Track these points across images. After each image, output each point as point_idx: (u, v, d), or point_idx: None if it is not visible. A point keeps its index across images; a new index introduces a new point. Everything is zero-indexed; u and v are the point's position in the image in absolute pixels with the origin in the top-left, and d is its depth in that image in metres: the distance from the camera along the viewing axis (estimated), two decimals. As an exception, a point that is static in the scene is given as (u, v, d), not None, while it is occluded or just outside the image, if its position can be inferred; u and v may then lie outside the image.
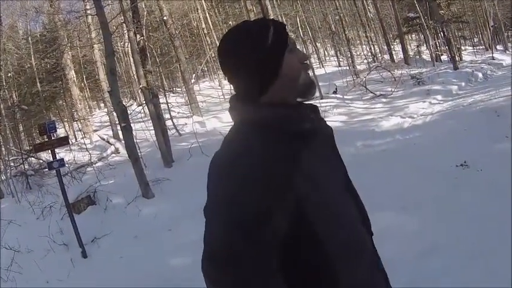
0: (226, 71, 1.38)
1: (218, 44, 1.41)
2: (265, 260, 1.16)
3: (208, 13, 25.30)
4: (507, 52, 31.45)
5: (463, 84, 16.57)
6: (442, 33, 23.29)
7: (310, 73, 1.40)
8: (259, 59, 1.31)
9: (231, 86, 1.41)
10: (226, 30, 1.45)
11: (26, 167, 11.05)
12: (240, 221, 1.15)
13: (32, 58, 20.20)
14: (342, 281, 1.26)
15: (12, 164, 11.70)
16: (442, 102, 13.56)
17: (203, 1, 25.24)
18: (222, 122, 13.33)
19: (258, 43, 1.32)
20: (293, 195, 1.20)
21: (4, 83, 18.87)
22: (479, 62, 23.89)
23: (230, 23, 25.68)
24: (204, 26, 23.57)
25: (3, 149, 13.79)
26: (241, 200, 1.16)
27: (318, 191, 1.25)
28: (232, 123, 1.38)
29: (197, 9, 26.29)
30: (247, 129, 1.31)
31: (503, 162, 5.90)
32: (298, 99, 1.38)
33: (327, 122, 1.46)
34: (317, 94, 16.19)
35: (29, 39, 21.43)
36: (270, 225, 1.17)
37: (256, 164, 1.19)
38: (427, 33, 24.76)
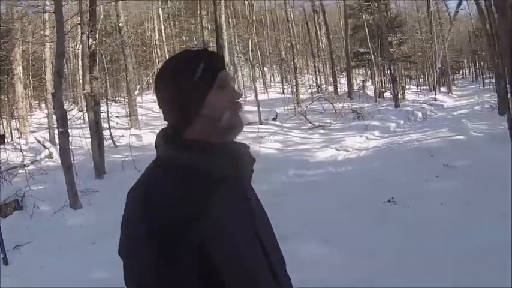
0: (157, 95, 1.40)
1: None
2: None
3: (164, 25, 25.32)
4: (450, 94, 32.77)
5: (402, 122, 17.06)
6: (389, 70, 23.79)
7: (241, 113, 1.40)
8: (182, 94, 1.31)
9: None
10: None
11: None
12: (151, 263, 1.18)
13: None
14: None
15: None
16: (378, 138, 13.91)
17: (160, 12, 25.28)
18: (159, 137, 13.25)
19: (183, 78, 1.31)
20: (195, 237, 1.20)
21: None
22: (421, 101, 24.65)
23: (183, 37, 25.78)
24: (157, 37, 23.56)
25: None
26: (143, 251, 1.19)
27: (224, 235, 1.25)
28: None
29: (153, 19, 26.28)
30: (161, 170, 1.30)
31: (431, 201, 6.19)
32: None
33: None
34: (256, 119, 16.43)
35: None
36: (180, 265, 1.20)
37: (162, 206, 1.20)
38: (374, 69, 25.56)
